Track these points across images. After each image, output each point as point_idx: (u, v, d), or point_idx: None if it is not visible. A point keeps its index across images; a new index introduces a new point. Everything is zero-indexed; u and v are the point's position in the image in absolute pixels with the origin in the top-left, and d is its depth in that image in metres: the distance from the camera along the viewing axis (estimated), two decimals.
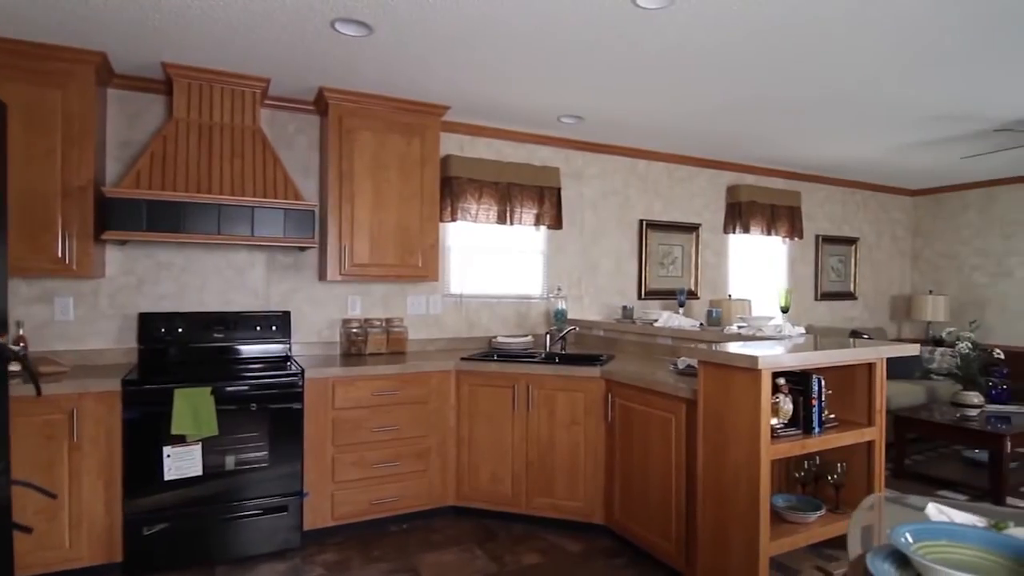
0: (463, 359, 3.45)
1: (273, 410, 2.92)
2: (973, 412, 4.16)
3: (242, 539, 2.85)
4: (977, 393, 4.33)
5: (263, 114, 3.48)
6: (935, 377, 5.18)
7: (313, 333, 3.67)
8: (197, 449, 2.72)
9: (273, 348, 3.44)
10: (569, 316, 4.35)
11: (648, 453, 2.84)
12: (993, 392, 4.44)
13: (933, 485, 4.03)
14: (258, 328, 3.41)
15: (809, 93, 3.38)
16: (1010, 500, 3.70)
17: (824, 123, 3.99)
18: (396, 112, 3.53)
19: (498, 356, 3.64)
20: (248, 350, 3.38)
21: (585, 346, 4.16)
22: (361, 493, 3.16)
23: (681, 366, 2.96)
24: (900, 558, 1.01)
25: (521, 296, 4.37)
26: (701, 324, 3.66)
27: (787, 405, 2.40)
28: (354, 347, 3.65)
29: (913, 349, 2.66)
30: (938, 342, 5.38)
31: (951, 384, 4.88)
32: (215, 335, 3.30)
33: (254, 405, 2.87)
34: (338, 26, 2.50)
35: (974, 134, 4.17)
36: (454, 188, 3.96)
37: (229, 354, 3.34)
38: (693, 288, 5.11)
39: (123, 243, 3.15)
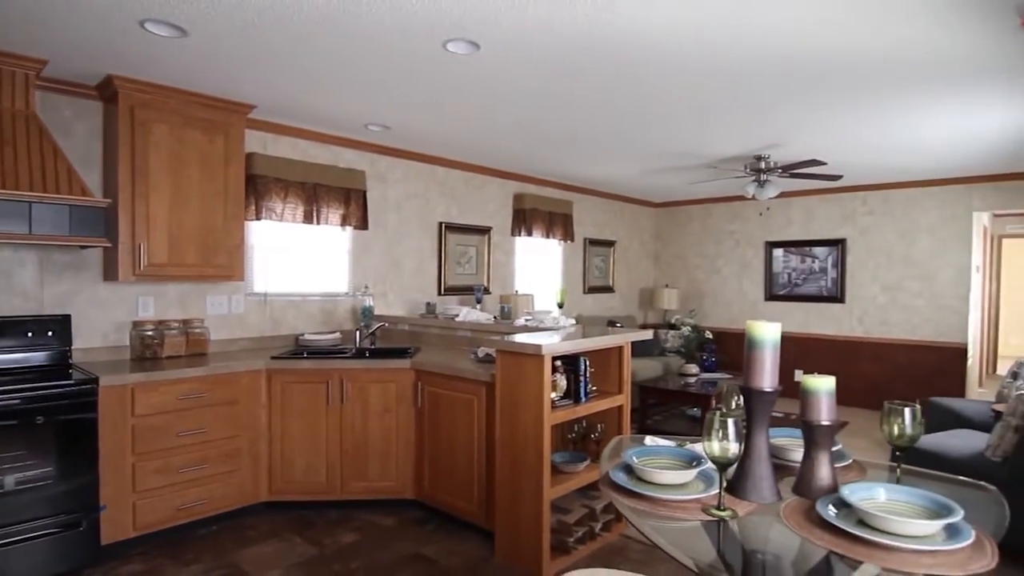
0: (273, 358, 3.53)
1: (62, 422, 2.72)
2: (692, 380, 5.43)
3: (28, 563, 2.63)
4: (695, 365, 5.64)
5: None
6: (668, 354, 6.54)
7: (98, 337, 3.41)
8: None
9: (51, 355, 3.13)
10: (376, 312, 4.61)
11: (454, 431, 3.28)
12: (706, 364, 5.81)
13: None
14: (30, 334, 3.08)
15: (579, 127, 4.12)
16: None
17: (589, 150, 4.85)
18: (196, 107, 3.44)
19: (308, 353, 3.78)
20: (18, 359, 3.04)
21: (393, 340, 4.47)
22: (166, 500, 3.08)
23: (481, 355, 3.45)
24: (628, 468, 1.57)
25: (327, 294, 4.51)
26: (495, 317, 4.22)
27: (562, 381, 3.03)
28: (148, 351, 3.48)
29: (648, 335, 3.50)
30: (671, 326, 6.80)
31: (679, 359, 6.22)
32: None
33: (40, 418, 2.66)
34: (148, 25, 2.46)
35: (694, 166, 5.41)
36: (259, 187, 3.96)
37: None
38: (486, 284, 5.72)
39: None
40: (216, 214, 3.54)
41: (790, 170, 4.89)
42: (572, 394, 3.07)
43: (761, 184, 5.07)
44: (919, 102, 3.45)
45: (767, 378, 1.46)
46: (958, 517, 1.29)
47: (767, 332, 1.47)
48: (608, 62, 2.89)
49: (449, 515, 3.37)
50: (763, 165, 5.01)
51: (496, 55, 2.81)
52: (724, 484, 1.40)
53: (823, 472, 1.46)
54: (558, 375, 3.01)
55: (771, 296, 7.16)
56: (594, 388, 3.25)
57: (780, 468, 1.70)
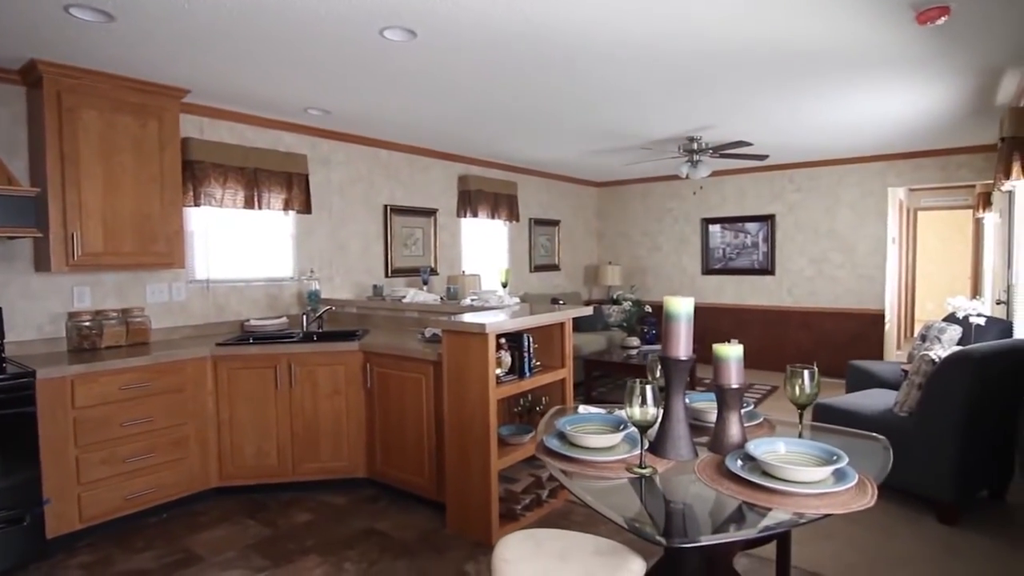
0: (219, 344, 3.52)
1: None
2: (634, 352, 5.68)
3: None
4: (636, 338, 5.89)
5: None
6: (612, 328, 6.79)
7: (32, 330, 3.31)
8: None
9: None
10: (323, 296, 4.62)
11: (404, 409, 3.38)
12: (647, 336, 6.07)
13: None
14: None
15: (519, 110, 4.21)
16: None
17: (530, 133, 4.94)
18: (127, 92, 3.34)
19: (254, 339, 3.78)
20: None
21: (340, 324, 4.50)
22: (113, 490, 3.07)
23: (428, 335, 3.55)
24: (562, 435, 1.71)
25: (272, 279, 4.49)
26: (442, 298, 4.31)
27: (507, 358, 3.16)
28: (86, 341, 3.40)
29: (588, 311, 3.67)
30: (614, 301, 7.04)
31: (621, 332, 6.48)
32: None
33: None
34: (73, 11, 2.39)
35: (631, 147, 5.59)
36: (196, 172, 3.88)
37: None
38: (434, 266, 5.78)
39: None
40: (152, 201, 3.47)
41: (720, 151, 5.14)
42: (517, 370, 3.20)
43: (694, 164, 5.30)
44: (834, 88, 3.70)
45: (682, 348, 1.63)
46: (844, 463, 1.49)
47: (681, 306, 1.63)
48: (543, 51, 2.98)
49: (401, 491, 3.48)
50: (695, 146, 5.23)
51: (433, 43, 2.86)
52: (646, 445, 1.56)
53: (734, 430, 1.65)
54: (503, 352, 3.13)
55: (708, 270, 7.50)
56: (538, 363, 3.39)
57: (700, 429, 1.88)
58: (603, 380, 6.19)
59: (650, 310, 5.93)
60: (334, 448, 3.58)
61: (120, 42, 2.79)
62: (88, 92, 3.19)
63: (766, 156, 5.32)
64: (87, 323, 3.42)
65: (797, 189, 6.89)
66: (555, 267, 7.57)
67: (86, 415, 2.97)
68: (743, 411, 1.76)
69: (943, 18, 2.56)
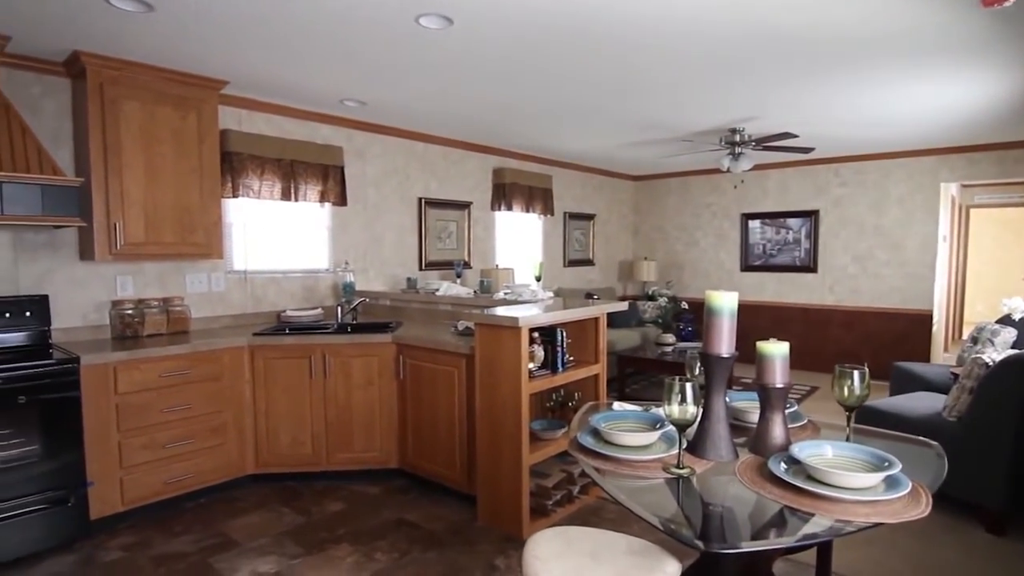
0: (256, 334, 3.57)
1: (45, 401, 2.75)
2: (669, 349, 5.57)
3: (19, 538, 2.68)
4: (672, 335, 5.78)
5: None
6: (647, 324, 6.68)
7: (78, 317, 3.41)
8: None
9: (29, 335, 3.14)
10: (357, 288, 4.65)
11: (436, 402, 3.37)
12: (683, 333, 5.95)
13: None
14: (7, 315, 3.08)
15: (557, 101, 4.14)
16: None
17: (567, 123, 4.87)
18: (168, 83, 3.40)
19: (290, 329, 3.82)
20: None
21: (374, 315, 4.52)
22: (153, 475, 3.14)
23: (460, 328, 3.53)
24: (596, 432, 1.66)
25: (308, 270, 4.54)
26: (475, 292, 4.29)
27: (540, 352, 3.12)
28: (129, 329, 3.49)
29: (623, 306, 3.59)
30: (649, 297, 6.92)
31: (656, 329, 6.37)
32: None
33: (23, 398, 2.68)
34: (113, 0, 2.43)
35: (671, 139, 5.46)
36: (235, 164, 3.94)
37: None
38: (467, 259, 5.77)
39: None
40: (192, 192, 3.53)
41: (763, 143, 4.97)
42: (550, 364, 3.16)
43: (735, 157, 5.15)
44: (889, 76, 3.53)
45: (724, 344, 1.56)
46: (896, 470, 1.41)
47: (725, 301, 1.56)
48: (584, 36, 2.91)
49: (432, 482, 3.48)
50: (737, 138, 5.08)
51: (470, 30, 2.82)
52: (684, 444, 1.50)
53: (777, 431, 1.57)
54: (535, 346, 3.09)
55: (747, 267, 7.31)
56: (571, 358, 3.34)
57: (740, 429, 1.81)
58: (636, 377, 6.10)
59: (687, 306, 5.81)
60: (366, 439, 3.60)
61: (159, 32, 2.83)
62: (130, 84, 3.26)
63: (812, 149, 5.13)
64: (129, 311, 3.51)
65: (843, 183, 6.64)
66: (589, 262, 7.48)
67: (128, 401, 3.05)
68: (787, 411, 1.68)
69: (1009, 1, 2.39)
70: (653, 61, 3.29)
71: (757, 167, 6.85)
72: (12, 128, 2.88)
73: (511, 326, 2.86)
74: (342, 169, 4.55)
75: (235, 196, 3.95)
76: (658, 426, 1.66)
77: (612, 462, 1.51)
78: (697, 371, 1.83)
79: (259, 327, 3.91)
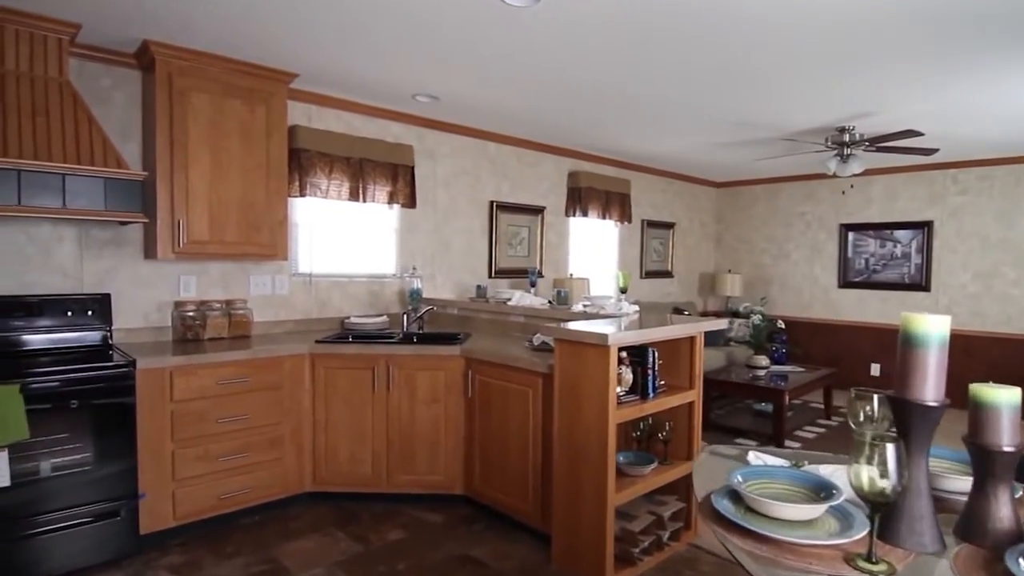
0: (318, 342, 3.34)
1: (98, 406, 2.59)
2: (761, 372, 5.01)
3: (65, 552, 2.51)
4: (764, 356, 5.21)
5: (71, 64, 2.98)
6: (733, 344, 6.11)
7: (139, 317, 3.29)
8: (3, 456, 2.33)
9: (91, 336, 3.02)
10: (424, 295, 4.38)
11: (507, 424, 3.02)
12: (776, 355, 5.37)
13: (731, 433, 4.79)
14: (70, 313, 2.97)
15: (642, 94, 3.74)
16: (788, 443, 4.54)
17: (652, 120, 4.45)
18: (237, 75, 3.24)
19: (354, 337, 3.58)
20: (59, 339, 2.93)
21: (441, 325, 4.24)
22: (207, 488, 2.94)
23: (536, 343, 3.17)
24: (734, 495, 1.25)
25: (374, 275, 4.31)
26: (550, 302, 3.92)
27: (628, 375, 2.71)
28: (190, 332, 3.34)
29: (722, 323, 3.15)
30: (735, 314, 6.34)
31: (745, 349, 5.79)
32: (15, 323, 2.82)
33: (75, 402, 2.53)
34: None
35: (767, 139, 4.93)
36: (302, 161, 3.75)
37: (34, 345, 2.87)
38: (539, 267, 5.42)
39: None
40: (258, 189, 3.36)
41: (879, 143, 4.38)
42: (639, 389, 2.75)
43: (844, 159, 4.57)
44: None
45: (930, 388, 1.12)
46: None
47: (932, 327, 1.13)
48: (684, 18, 2.52)
49: (500, 514, 3.12)
50: (847, 138, 4.50)
51: (555, 10, 2.48)
52: (873, 526, 1.07)
53: (1004, 512, 1.12)
54: (624, 367, 2.69)
55: (845, 283, 6.59)
56: (662, 383, 2.92)
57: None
58: (721, 401, 5.55)
59: (782, 325, 5.23)
60: (430, 460, 3.29)
61: (229, 20, 2.65)
62: (199, 75, 3.11)
63: (936, 150, 4.49)
64: (191, 313, 3.36)
65: (962, 191, 5.87)
66: (668, 274, 6.97)
67: (183, 409, 2.86)
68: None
69: None
70: (759, 49, 2.85)
71: (860, 172, 6.16)
72: (79, 120, 2.76)
73: (599, 344, 2.48)
74: (412, 169, 4.31)
75: (302, 195, 3.76)
76: (822, 494, 1.23)
77: (770, 545, 1.10)
78: (862, 416, 1.37)
79: (322, 333, 3.69)
